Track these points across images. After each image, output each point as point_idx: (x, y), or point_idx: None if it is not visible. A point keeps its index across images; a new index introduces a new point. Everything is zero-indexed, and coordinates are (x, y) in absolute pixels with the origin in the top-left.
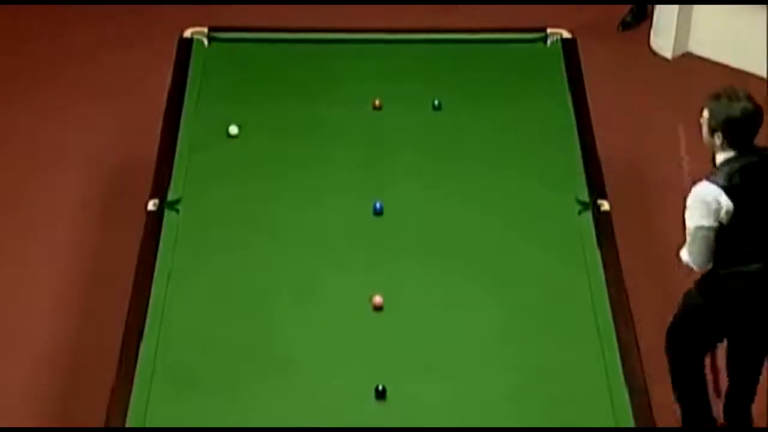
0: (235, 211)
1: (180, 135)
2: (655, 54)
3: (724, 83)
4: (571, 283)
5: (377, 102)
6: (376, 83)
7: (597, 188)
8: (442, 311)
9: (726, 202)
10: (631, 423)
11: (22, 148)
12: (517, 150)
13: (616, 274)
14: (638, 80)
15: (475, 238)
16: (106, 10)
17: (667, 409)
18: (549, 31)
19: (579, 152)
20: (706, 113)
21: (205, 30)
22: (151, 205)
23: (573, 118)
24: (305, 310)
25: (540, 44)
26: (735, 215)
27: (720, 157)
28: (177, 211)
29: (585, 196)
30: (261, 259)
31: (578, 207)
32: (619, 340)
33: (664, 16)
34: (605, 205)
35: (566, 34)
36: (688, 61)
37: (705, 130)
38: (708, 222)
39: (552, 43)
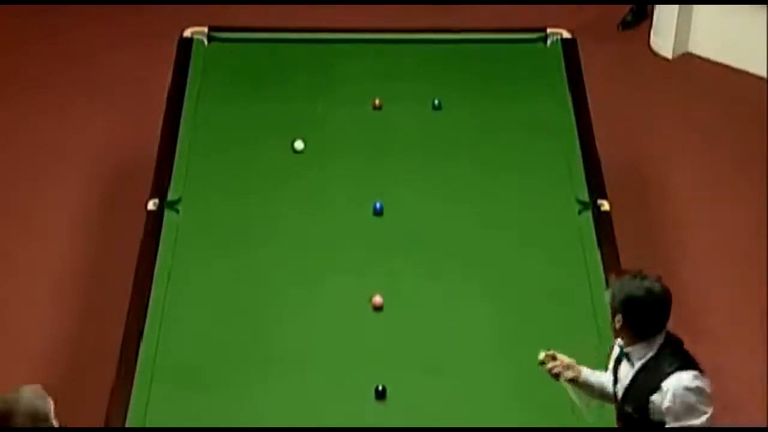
0: (234, 211)
1: (180, 135)
2: (655, 54)
3: (724, 83)
4: (571, 283)
5: (377, 102)
6: (376, 83)
7: (597, 188)
8: (442, 311)
9: None
10: None
11: (22, 148)
12: (517, 150)
13: None
14: (638, 80)
15: (474, 237)
16: (106, 10)
17: None
18: (549, 31)
19: (579, 152)
20: (607, 294)
21: (205, 30)
22: (151, 205)
23: (573, 118)
24: (305, 310)
25: (540, 44)
26: None
27: (635, 351)
28: (177, 211)
29: (585, 196)
30: (261, 259)
31: (578, 207)
32: None
33: (664, 16)
34: (605, 205)
35: (566, 34)
36: (688, 61)
37: (610, 314)
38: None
39: (552, 43)
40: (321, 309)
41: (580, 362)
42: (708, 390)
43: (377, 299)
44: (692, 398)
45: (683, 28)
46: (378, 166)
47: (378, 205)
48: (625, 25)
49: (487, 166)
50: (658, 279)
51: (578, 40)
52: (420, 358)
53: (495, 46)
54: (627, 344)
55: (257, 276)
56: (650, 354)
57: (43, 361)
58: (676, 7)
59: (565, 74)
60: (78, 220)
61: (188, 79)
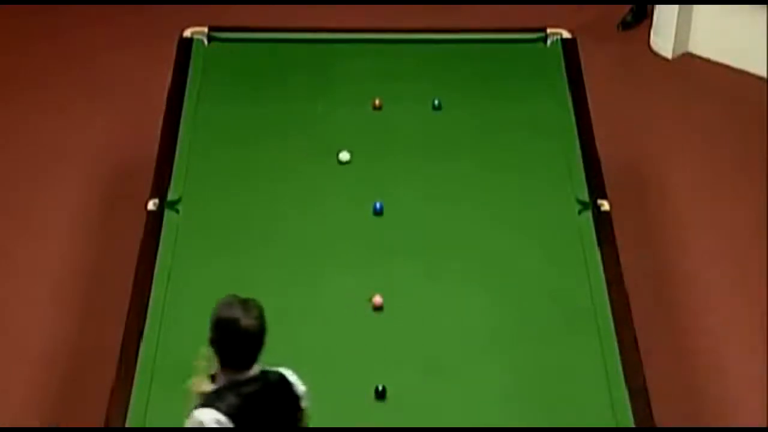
0: (234, 211)
1: (180, 135)
2: (655, 54)
3: (724, 83)
4: (571, 283)
5: (377, 102)
6: (376, 83)
7: (597, 188)
8: (442, 311)
9: None
10: (631, 423)
11: (22, 148)
12: (517, 150)
13: (616, 274)
14: (638, 80)
15: (475, 238)
16: (106, 10)
17: (667, 408)
18: (549, 31)
19: (579, 152)
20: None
21: (205, 30)
22: (151, 205)
23: (573, 118)
24: (305, 310)
25: (540, 44)
26: None
27: (219, 377)
28: (177, 211)
29: (585, 196)
30: (261, 258)
31: (578, 207)
32: (619, 340)
33: (664, 16)
34: (605, 205)
35: (566, 34)
36: (688, 61)
37: None
38: None
39: (552, 43)
40: (321, 309)
41: (578, 362)
42: None
43: (377, 299)
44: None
45: (683, 28)
46: (378, 166)
47: (378, 205)
48: (625, 25)
49: (487, 166)
50: (258, 316)
51: (578, 40)
52: (420, 358)
53: (495, 46)
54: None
55: (257, 276)
56: (223, 383)
57: (43, 361)
58: (676, 7)
59: (565, 74)
60: (78, 220)
61: (188, 79)
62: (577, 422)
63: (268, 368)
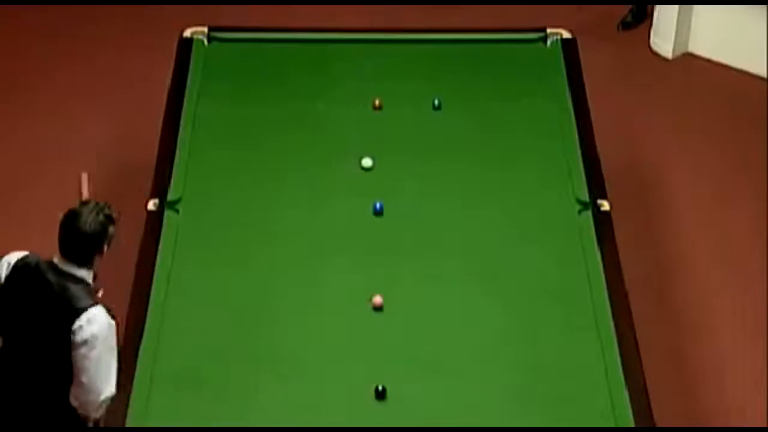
0: (235, 211)
1: (180, 135)
2: (655, 54)
3: (724, 83)
4: (571, 283)
5: (377, 102)
6: (376, 83)
7: (597, 188)
8: (442, 311)
9: None
10: (631, 423)
11: (22, 148)
12: (517, 150)
13: (616, 274)
14: (638, 80)
15: (474, 238)
16: (105, 10)
17: (667, 408)
18: (549, 31)
19: (579, 152)
20: None
21: (205, 30)
22: (151, 205)
23: (573, 118)
24: (305, 310)
25: (540, 44)
26: None
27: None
28: (177, 211)
29: (585, 196)
30: (261, 259)
31: (578, 207)
32: (619, 340)
33: (664, 16)
34: (605, 205)
35: (566, 34)
36: (688, 61)
37: None
38: None
39: (552, 43)
40: (321, 309)
41: (578, 362)
42: None
43: (377, 299)
44: None
45: (683, 28)
46: (378, 165)
47: (378, 205)
48: (625, 25)
49: (486, 166)
50: (98, 223)
51: (578, 40)
52: (420, 358)
53: (495, 46)
54: None
55: (257, 276)
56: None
57: None
58: (676, 7)
59: (565, 74)
60: None
61: (188, 79)
62: (577, 422)
63: (81, 298)
